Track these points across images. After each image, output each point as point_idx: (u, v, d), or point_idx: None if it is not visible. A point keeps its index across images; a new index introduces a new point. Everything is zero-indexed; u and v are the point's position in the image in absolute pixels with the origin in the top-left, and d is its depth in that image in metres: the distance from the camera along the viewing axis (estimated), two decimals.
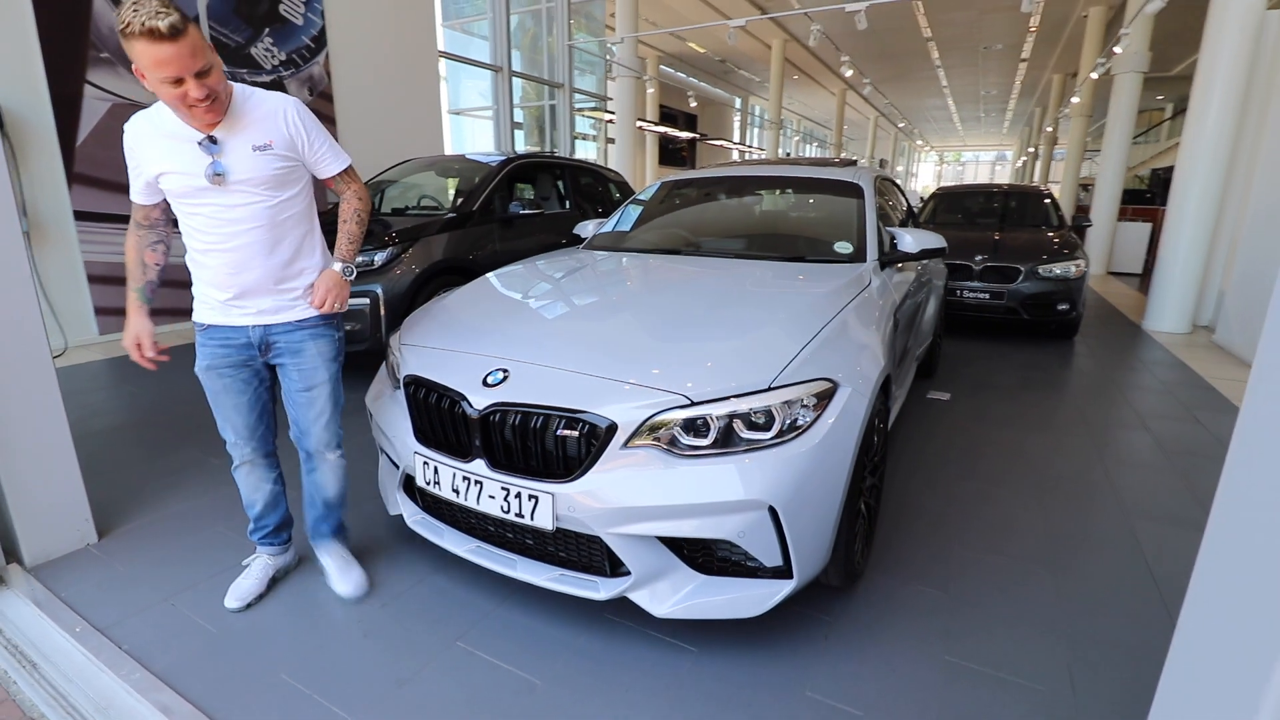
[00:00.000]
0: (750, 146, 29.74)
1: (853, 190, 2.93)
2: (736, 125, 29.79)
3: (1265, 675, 0.55)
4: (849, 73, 13.36)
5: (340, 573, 1.93)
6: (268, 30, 6.11)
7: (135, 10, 1.30)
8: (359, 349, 3.86)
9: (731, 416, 1.55)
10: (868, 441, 1.82)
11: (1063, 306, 5.15)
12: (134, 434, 3.19)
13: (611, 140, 14.75)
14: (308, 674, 1.62)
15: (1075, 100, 13.09)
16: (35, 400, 2.04)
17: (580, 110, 13.41)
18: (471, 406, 1.66)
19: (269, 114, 1.59)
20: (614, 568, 1.64)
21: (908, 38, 16.78)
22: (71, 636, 1.76)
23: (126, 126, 1.58)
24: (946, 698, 1.55)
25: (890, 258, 2.64)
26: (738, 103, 28.94)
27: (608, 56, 10.79)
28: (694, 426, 1.55)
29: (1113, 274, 9.83)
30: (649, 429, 1.54)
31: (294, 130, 1.62)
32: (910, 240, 2.68)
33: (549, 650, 1.70)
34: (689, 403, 1.55)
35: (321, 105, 6.66)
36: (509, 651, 1.69)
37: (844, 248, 2.64)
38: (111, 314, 5.10)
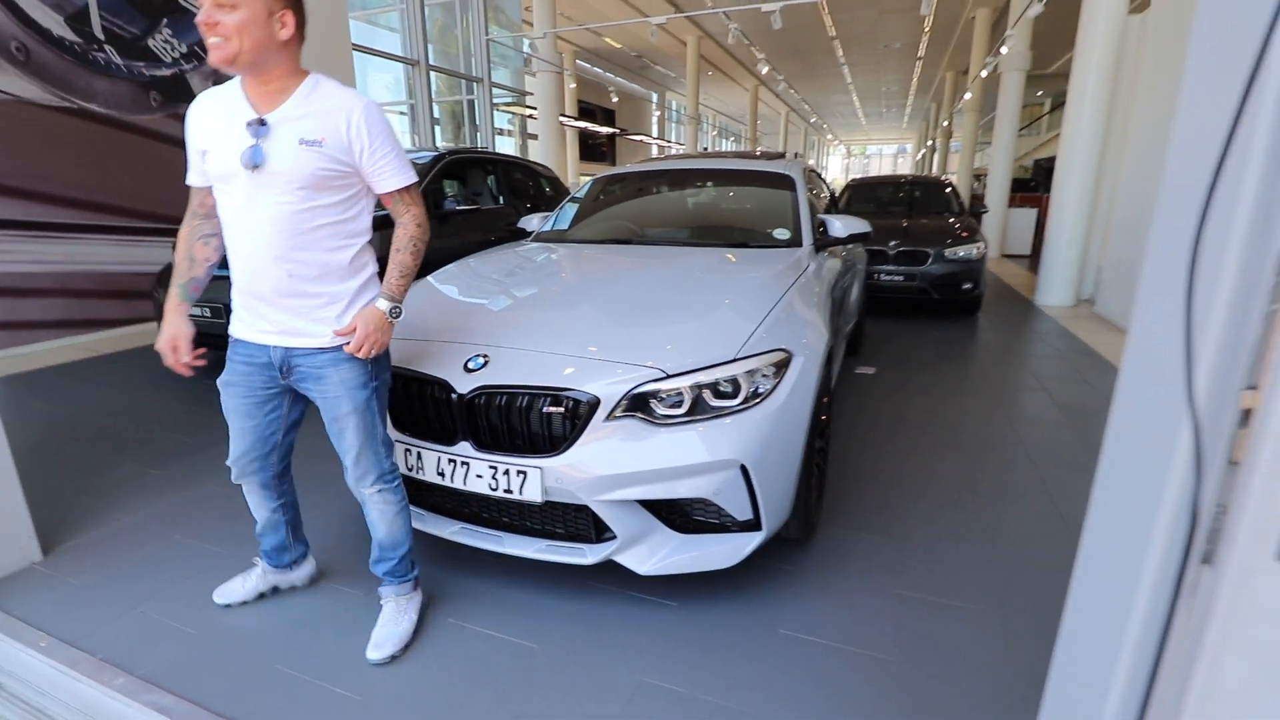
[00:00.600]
0: (670, 141, 30.19)
1: (785, 182, 3.15)
2: (655, 120, 30.15)
3: (1145, 588, 0.70)
4: (765, 70, 13.86)
5: (381, 625, 1.71)
6: (165, 21, 5.73)
7: None
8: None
9: (701, 387, 1.70)
10: (818, 406, 2.02)
11: (967, 285, 5.65)
12: (58, 451, 3.00)
13: (533, 136, 14.64)
14: (302, 662, 1.64)
15: (968, 96, 14.17)
16: None
17: (500, 105, 13.23)
18: (455, 392, 1.73)
19: (331, 109, 1.44)
20: (599, 534, 1.76)
21: (814, 36, 17.56)
22: (37, 652, 1.69)
23: (194, 103, 1.51)
24: (899, 623, 1.77)
25: (823, 242, 2.88)
26: (655, 98, 29.30)
27: (528, 51, 10.72)
28: (669, 397, 1.69)
29: (1006, 256, 10.77)
30: (629, 401, 1.67)
31: (354, 133, 1.44)
32: (840, 226, 2.93)
33: (540, 618, 1.79)
34: (664, 375, 1.68)
35: None
36: (502, 622, 1.78)
37: (782, 234, 2.85)
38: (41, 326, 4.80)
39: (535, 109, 12.42)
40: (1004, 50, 9.47)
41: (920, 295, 5.72)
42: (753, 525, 1.75)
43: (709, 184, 3.53)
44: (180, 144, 5.82)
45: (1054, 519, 2.35)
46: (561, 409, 1.67)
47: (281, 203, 1.43)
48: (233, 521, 2.32)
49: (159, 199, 5.77)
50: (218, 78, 5.83)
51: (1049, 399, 3.70)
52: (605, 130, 24.17)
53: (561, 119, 12.61)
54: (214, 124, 1.46)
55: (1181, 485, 0.50)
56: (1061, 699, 0.78)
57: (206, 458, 2.90)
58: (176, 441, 3.10)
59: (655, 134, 29.66)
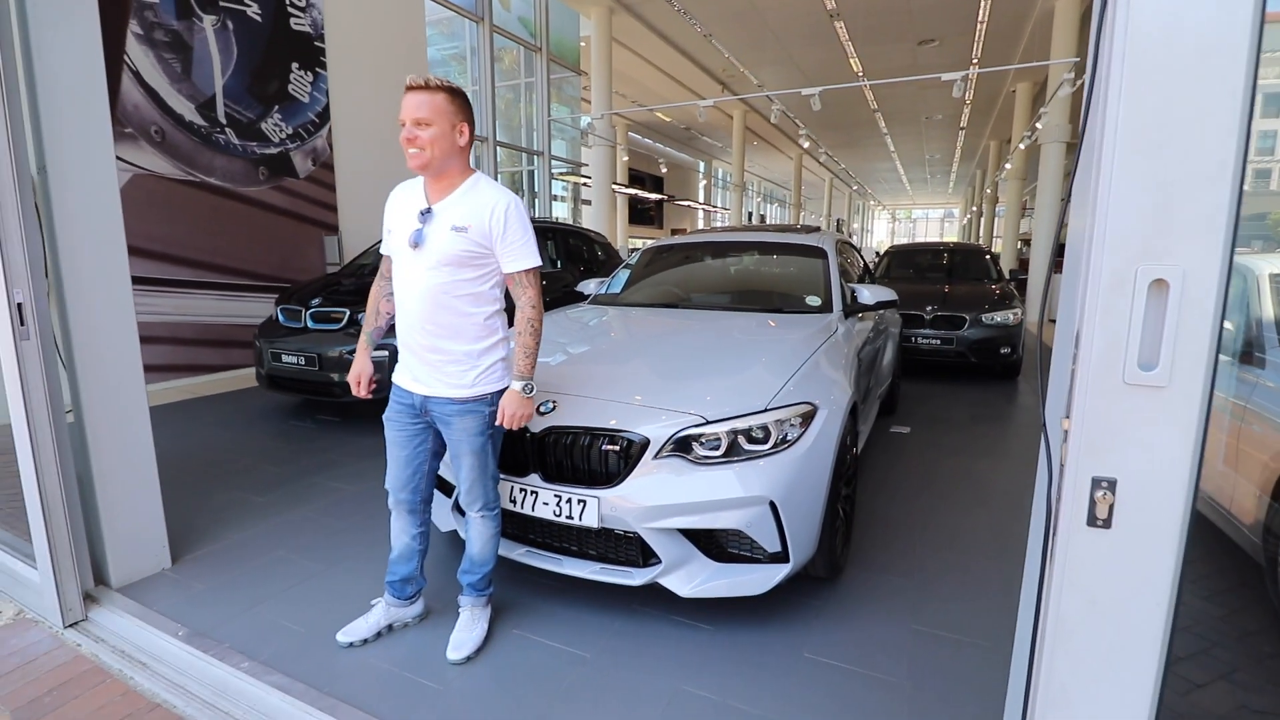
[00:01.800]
0: (715, 207, 31.20)
1: (818, 253, 3.48)
2: (701, 187, 31.30)
3: (1035, 557, 0.93)
4: (806, 144, 14.49)
5: (459, 630, 1.99)
6: (277, 107, 6.62)
7: (414, 76, 1.74)
8: (383, 396, 4.20)
9: (736, 432, 1.99)
10: (842, 455, 2.26)
11: (1005, 350, 5.78)
12: (173, 479, 3.43)
13: (587, 202, 15.54)
14: (389, 656, 1.93)
15: (1009, 166, 14.42)
16: (130, 437, 2.35)
17: (556, 175, 14.20)
18: (529, 431, 2.06)
19: (481, 203, 1.76)
20: (645, 559, 2.02)
21: (855, 109, 18.30)
22: (176, 639, 2.03)
23: (391, 192, 1.92)
24: (914, 654, 1.94)
25: (852, 309, 3.16)
26: (701, 166, 30.54)
27: (587, 130, 11.62)
28: (708, 440, 1.97)
29: (1053, 321, 10.72)
30: (674, 443, 1.96)
31: (495, 222, 1.74)
32: (868, 294, 3.21)
33: (591, 633, 2.05)
34: (704, 421, 1.98)
35: (323, 174, 7.14)
36: (558, 634, 2.03)
37: (814, 300, 3.15)
38: (153, 370, 5.43)
39: (589, 178, 13.28)
40: (1039, 125, 9.77)
41: (958, 359, 5.86)
42: (781, 557, 1.99)
43: (748, 254, 3.89)
44: (280, 212, 6.61)
45: None
46: (617, 447, 1.98)
47: (431, 275, 1.76)
48: (328, 539, 2.68)
49: (258, 259, 6.51)
50: (315, 156, 6.63)
51: None
52: (654, 197, 25.26)
53: (613, 187, 13.43)
54: (400, 209, 1.86)
55: (1045, 489, 0.76)
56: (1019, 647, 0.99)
57: (300, 486, 3.29)
58: (273, 473, 3.52)
59: (701, 199, 30.74)
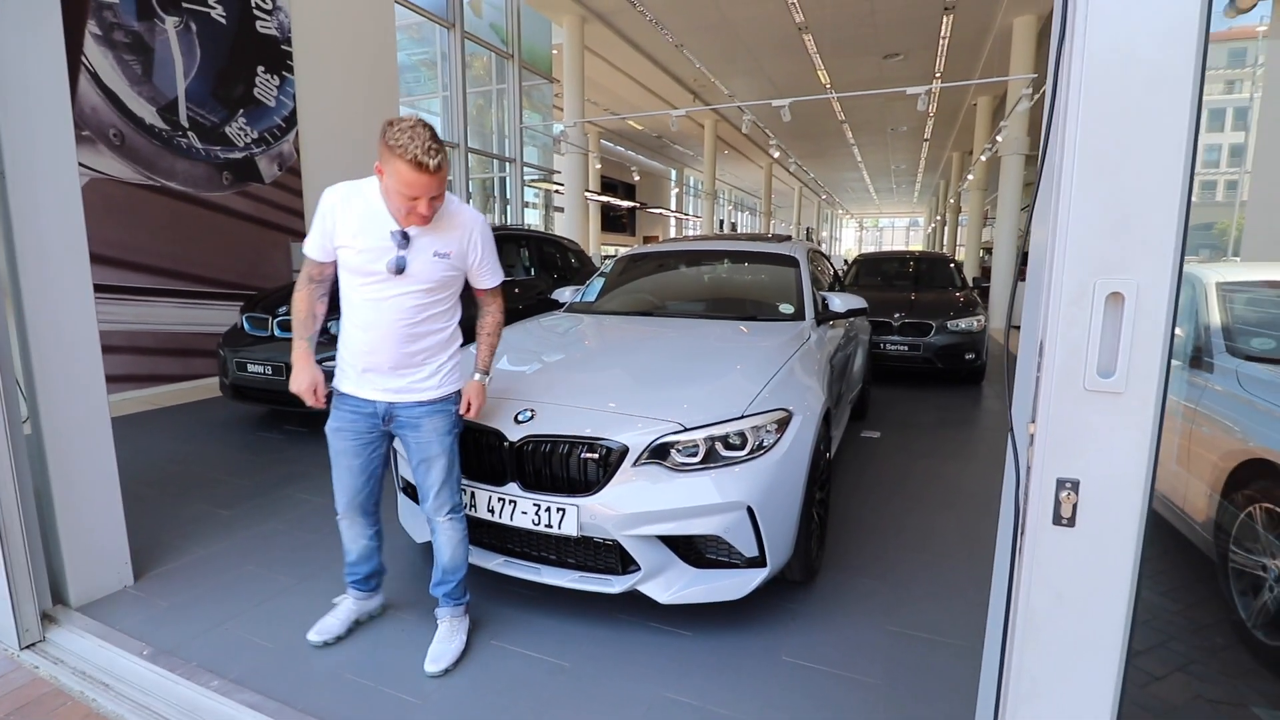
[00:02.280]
0: (687, 214, 31.44)
1: (790, 261, 3.54)
2: (674, 195, 31.53)
3: (1005, 556, 0.98)
4: (776, 154, 14.73)
5: (437, 642, 1.96)
6: (242, 111, 6.49)
7: (411, 138, 1.57)
8: None
9: (714, 439, 2.01)
10: (816, 459, 2.30)
11: (970, 355, 5.95)
12: (134, 493, 3.31)
13: (559, 209, 15.52)
14: (367, 672, 1.90)
15: (970, 178, 14.86)
16: (91, 448, 2.27)
17: (528, 181, 14.17)
18: (507, 440, 2.06)
19: (458, 227, 1.81)
20: (624, 567, 2.03)
21: (824, 120, 18.68)
22: (140, 658, 1.97)
23: (330, 190, 1.78)
24: (889, 654, 1.99)
25: (824, 316, 3.23)
26: (673, 174, 30.78)
27: (559, 137, 11.63)
28: (686, 447, 2.00)
29: (1016, 327, 11.06)
30: (652, 450, 1.98)
31: (470, 246, 1.84)
32: (839, 302, 3.28)
33: (571, 642, 2.04)
34: (682, 429, 2.00)
35: (289, 180, 7.01)
36: (538, 644, 2.03)
37: (787, 308, 3.21)
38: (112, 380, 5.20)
39: (561, 185, 13.28)
40: (999, 138, 10.11)
41: (925, 365, 6.01)
42: (758, 562, 2.02)
43: (722, 263, 3.94)
44: (245, 218, 6.46)
45: None
46: (596, 455, 1.98)
47: (410, 298, 1.77)
48: (297, 552, 2.62)
49: (221, 266, 6.35)
50: (281, 161, 6.50)
51: None
52: (626, 204, 25.35)
53: (586, 194, 13.45)
54: (356, 220, 1.74)
55: (1012, 491, 0.80)
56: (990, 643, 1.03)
57: (268, 499, 3.22)
58: (238, 485, 3.43)
59: (674, 207, 30.96)
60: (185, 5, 5.83)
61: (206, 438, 4.38)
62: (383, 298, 1.76)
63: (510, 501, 2.05)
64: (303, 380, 1.88)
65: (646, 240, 29.46)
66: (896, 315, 6.08)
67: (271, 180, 6.81)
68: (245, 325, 4.63)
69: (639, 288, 3.76)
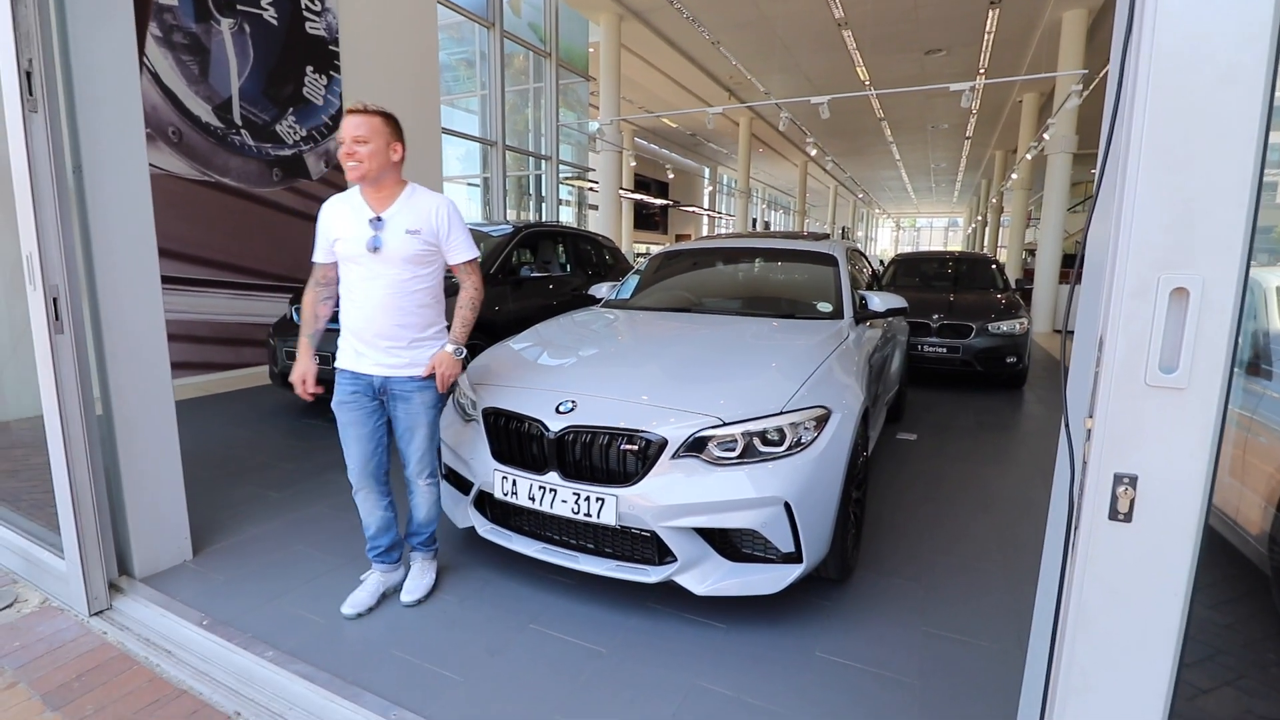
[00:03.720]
0: (720, 213, 31.28)
1: (829, 260, 3.52)
2: (706, 193, 31.40)
3: (1056, 551, 0.96)
4: (814, 151, 14.55)
5: (411, 579, 2.28)
6: (291, 109, 6.70)
7: (356, 101, 2.01)
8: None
9: (752, 434, 2.03)
10: (854, 458, 2.29)
11: (1011, 359, 5.81)
12: (190, 475, 3.46)
13: (593, 206, 15.62)
14: (413, 649, 1.97)
15: (1014, 176, 14.46)
16: (157, 430, 2.40)
17: (563, 179, 14.30)
18: (549, 430, 2.10)
19: (425, 208, 2.05)
20: (661, 558, 2.06)
21: (862, 118, 18.39)
22: (200, 628, 2.08)
23: (325, 204, 2.12)
24: (924, 654, 1.98)
25: (862, 315, 3.20)
26: (707, 172, 30.65)
27: (596, 135, 11.70)
28: (725, 441, 2.01)
29: (1057, 331, 10.75)
30: (691, 444, 2.00)
31: (439, 222, 2.05)
32: (878, 301, 3.25)
33: (607, 629, 2.08)
34: (721, 423, 2.02)
35: (335, 176, 7.21)
36: (575, 630, 2.07)
37: (825, 307, 3.20)
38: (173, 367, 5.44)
39: (596, 183, 13.36)
40: (1047, 136, 9.81)
41: (964, 368, 5.89)
42: (794, 558, 2.02)
43: (760, 260, 3.94)
44: (293, 213, 6.69)
45: None
46: (635, 447, 2.02)
47: (393, 273, 2.02)
48: (345, 535, 2.72)
49: (271, 259, 6.57)
50: (328, 158, 6.71)
51: None
52: (659, 202, 25.35)
53: (620, 192, 13.51)
54: (343, 220, 2.06)
55: (1065, 486, 0.80)
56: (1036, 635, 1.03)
57: (316, 483, 3.34)
58: (287, 470, 3.56)
59: (706, 205, 30.84)
60: (240, 7, 6.05)
61: (257, 423, 4.55)
62: (370, 276, 2.02)
63: (550, 490, 2.09)
64: (297, 371, 2.15)
65: (679, 238, 29.42)
66: (935, 317, 5.97)
67: (319, 177, 7.02)
68: (294, 316, 4.79)
69: (676, 284, 3.78)
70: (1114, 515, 0.72)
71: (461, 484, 2.44)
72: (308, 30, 6.77)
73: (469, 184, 12.37)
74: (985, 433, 4.62)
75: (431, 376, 2.12)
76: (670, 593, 2.24)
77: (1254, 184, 0.64)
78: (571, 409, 2.13)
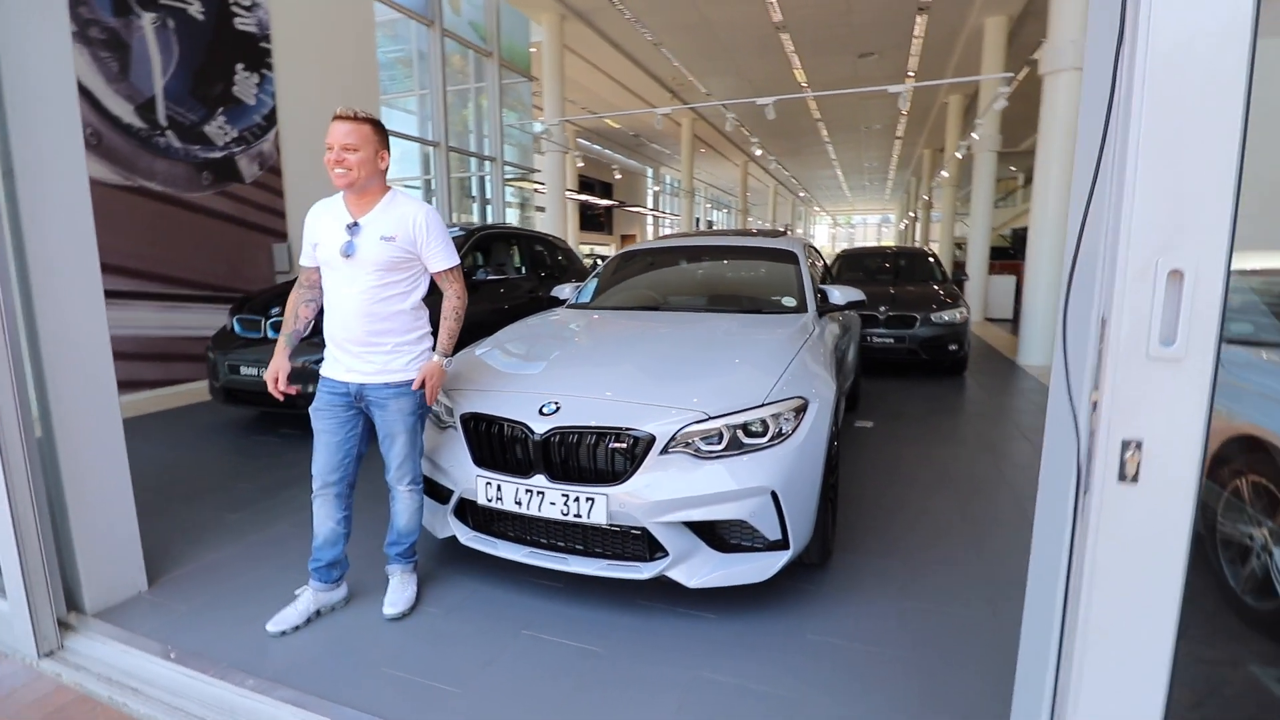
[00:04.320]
0: (665, 213, 31.53)
1: (790, 256, 3.62)
2: (650, 193, 31.60)
3: (1066, 512, 1.04)
4: (759, 152, 14.88)
5: (392, 592, 2.22)
6: (221, 109, 6.36)
7: (343, 107, 1.98)
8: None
9: (735, 427, 2.07)
10: (830, 445, 2.37)
11: (953, 347, 6.11)
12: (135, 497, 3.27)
13: (540, 208, 15.47)
14: (404, 665, 1.92)
15: (944, 174, 15.20)
16: (104, 451, 2.24)
17: (509, 181, 14.11)
18: (534, 432, 2.09)
19: (402, 215, 2.01)
20: (651, 554, 2.07)
21: (800, 119, 18.93)
22: (168, 661, 1.95)
23: (311, 208, 2.10)
24: (908, 626, 2.07)
25: (824, 309, 3.31)
26: (650, 172, 30.85)
27: (541, 136, 11.60)
28: (711, 435, 2.05)
29: (989, 320, 11.37)
30: (678, 439, 2.03)
31: (417, 230, 2.02)
32: (839, 294, 3.37)
33: (600, 629, 2.08)
34: (707, 417, 2.05)
35: (270, 179, 6.90)
36: (568, 633, 2.06)
37: (789, 301, 3.29)
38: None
39: (542, 184, 13.25)
40: (975, 136, 10.38)
41: (910, 356, 6.16)
42: (781, 545, 2.08)
43: (724, 258, 4.01)
44: (226, 219, 6.36)
45: None
46: (624, 445, 2.03)
47: (367, 279, 1.99)
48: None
49: (202, 268, 6.22)
50: (262, 160, 6.39)
51: (1031, 447, 4.06)
52: (605, 203, 25.34)
53: (567, 193, 13.45)
54: (324, 224, 2.05)
55: (1070, 449, 0.87)
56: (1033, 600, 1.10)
57: (274, 502, 3.19)
58: (241, 489, 3.39)
59: (650, 205, 31.03)
60: (162, 1, 5.70)
61: (198, 443, 4.31)
62: (345, 282, 2.00)
63: (538, 493, 2.08)
64: (270, 370, 2.13)
65: (624, 239, 29.49)
66: (882, 309, 6.22)
67: (252, 180, 6.69)
68: (236, 327, 4.55)
69: (641, 283, 3.81)
70: (1123, 477, 0.79)
71: (438, 493, 2.39)
72: (237, 26, 6.44)
73: (406, 186, 12.03)
74: (935, 417, 4.85)
75: (409, 384, 2.08)
76: (660, 589, 2.26)
77: (1237, 175, 0.72)
78: (555, 410, 2.12)
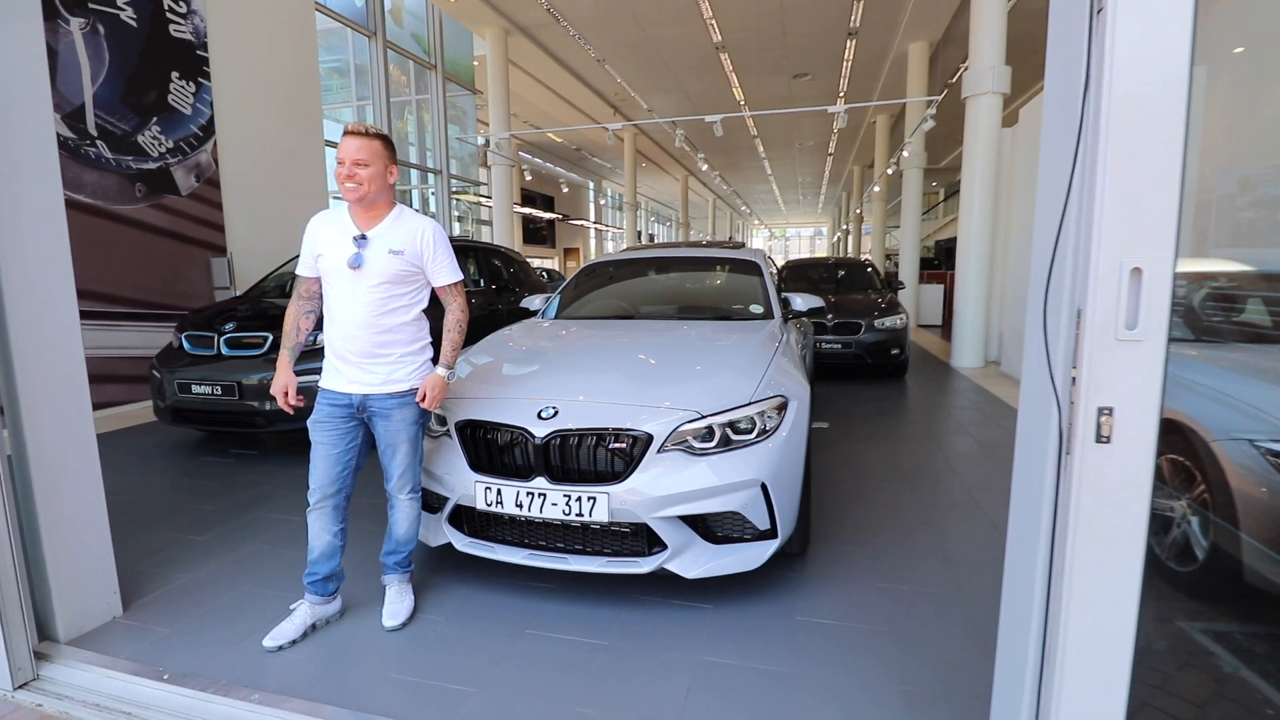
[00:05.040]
0: (608, 226, 31.76)
1: (753, 266, 3.82)
2: (593, 206, 31.79)
3: (1049, 470, 1.23)
4: (705, 166, 15.30)
5: (391, 603, 2.22)
6: (155, 119, 6.09)
7: (355, 123, 2.00)
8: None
9: (726, 425, 2.21)
10: (809, 440, 2.54)
11: (895, 351, 6.51)
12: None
13: (486, 222, 15.36)
14: (413, 670, 1.94)
15: (876, 189, 16.06)
16: (79, 471, 2.16)
17: (455, 194, 13.95)
18: (534, 436, 2.16)
19: (410, 229, 2.06)
20: (650, 548, 2.17)
21: (738, 135, 19.58)
22: (162, 683, 1.90)
23: (312, 218, 2.10)
24: (884, 605, 2.25)
25: (788, 315, 3.52)
26: (591, 186, 31.06)
27: (494, 149, 11.57)
28: (703, 433, 2.18)
29: (921, 326, 12.07)
30: (674, 438, 2.15)
31: (423, 245, 2.06)
32: (800, 301, 3.59)
33: (602, 624, 2.16)
34: (700, 416, 2.18)
35: (208, 191, 6.64)
36: (572, 629, 2.13)
37: (756, 309, 3.48)
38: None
39: (488, 197, 13.18)
40: (905, 154, 11.08)
41: (855, 360, 6.52)
42: (770, 534, 2.22)
43: (691, 269, 4.17)
44: (162, 233, 6.09)
45: (986, 524, 2.93)
46: (623, 445, 2.13)
47: (372, 291, 2.01)
48: (291, 569, 2.56)
49: (135, 285, 5.91)
50: (199, 172, 6.13)
51: (972, 440, 4.40)
52: (549, 216, 25.32)
53: (515, 208, 13.43)
54: (328, 236, 2.05)
55: (1048, 419, 1.04)
56: (1013, 562, 1.27)
57: (241, 522, 3.10)
58: (204, 511, 3.27)
59: (593, 218, 31.20)
60: (92, 6, 5.44)
61: (144, 467, 4.10)
62: (350, 294, 2.02)
63: (539, 495, 2.14)
64: (278, 383, 2.11)
65: (568, 252, 29.52)
66: (829, 316, 6.55)
67: (189, 192, 6.42)
68: (185, 344, 4.36)
69: (612, 293, 3.92)
70: (1099, 439, 0.96)
71: (430, 502, 2.41)
72: (172, 33, 6.19)
73: (336, 198, 11.74)
74: (883, 416, 5.16)
75: (412, 393, 2.11)
76: (653, 585, 2.36)
77: (1179, 191, 0.90)
78: (554, 415, 2.19)
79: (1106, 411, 0.95)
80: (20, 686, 1.94)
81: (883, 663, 1.93)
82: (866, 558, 2.61)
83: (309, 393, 2.14)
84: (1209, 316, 2.88)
